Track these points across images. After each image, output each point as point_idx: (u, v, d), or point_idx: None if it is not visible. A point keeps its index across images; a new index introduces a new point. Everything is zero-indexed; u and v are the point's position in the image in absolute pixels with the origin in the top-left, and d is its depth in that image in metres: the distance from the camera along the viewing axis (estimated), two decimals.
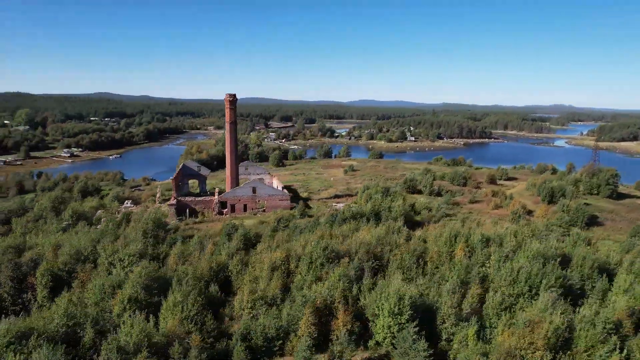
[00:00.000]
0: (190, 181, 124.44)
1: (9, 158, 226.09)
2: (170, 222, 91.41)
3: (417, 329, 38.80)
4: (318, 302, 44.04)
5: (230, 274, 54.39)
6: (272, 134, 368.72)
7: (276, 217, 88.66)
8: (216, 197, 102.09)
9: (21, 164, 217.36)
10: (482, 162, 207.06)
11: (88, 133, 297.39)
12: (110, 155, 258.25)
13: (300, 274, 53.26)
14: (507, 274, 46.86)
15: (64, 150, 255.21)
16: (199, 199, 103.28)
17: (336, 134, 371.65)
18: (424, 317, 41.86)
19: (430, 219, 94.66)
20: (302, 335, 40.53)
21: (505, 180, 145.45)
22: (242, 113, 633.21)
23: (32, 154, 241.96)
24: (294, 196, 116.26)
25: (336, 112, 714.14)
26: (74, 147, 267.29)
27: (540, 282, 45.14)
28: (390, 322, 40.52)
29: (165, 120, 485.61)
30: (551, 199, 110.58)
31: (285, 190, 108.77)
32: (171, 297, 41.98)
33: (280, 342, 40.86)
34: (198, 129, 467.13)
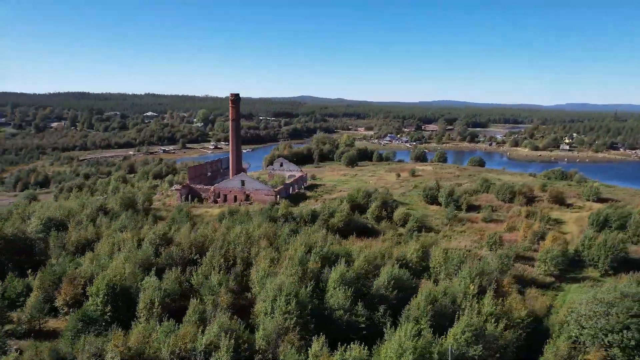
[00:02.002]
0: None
1: (170, 148, 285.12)
2: (174, 204, 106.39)
3: None
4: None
5: None
6: (401, 136, 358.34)
7: (232, 209, 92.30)
8: (211, 187, 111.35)
9: (174, 153, 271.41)
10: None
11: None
12: (245, 150, 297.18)
13: None
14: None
15: (211, 143, 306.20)
16: (206, 187, 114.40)
17: (476, 139, 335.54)
18: None
19: (387, 229, 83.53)
20: None
21: (594, 201, 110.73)
22: (405, 115, 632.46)
23: (188, 145, 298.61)
24: (300, 194, 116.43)
25: (503, 116, 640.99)
26: (223, 142, 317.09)
27: None
28: None
29: (324, 121, 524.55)
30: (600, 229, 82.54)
31: (270, 187, 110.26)
32: None
33: None
34: (348, 129, 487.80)
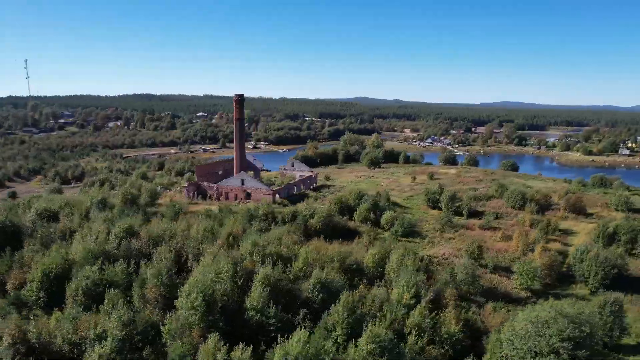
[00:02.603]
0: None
1: (210, 147, 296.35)
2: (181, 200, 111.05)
3: None
4: None
5: None
6: (445, 138, 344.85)
7: (221, 207, 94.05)
8: (215, 185, 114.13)
9: (213, 152, 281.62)
10: None
11: (280, 130, 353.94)
12: (281, 150, 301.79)
13: None
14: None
15: (250, 143, 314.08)
16: (212, 185, 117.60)
17: (524, 142, 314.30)
18: None
19: (370, 232, 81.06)
20: None
21: (623, 212, 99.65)
22: (458, 117, 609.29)
23: (228, 145, 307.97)
24: (303, 194, 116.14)
25: (568, 118, 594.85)
26: (263, 142, 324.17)
27: None
28: None
29: (371, 122, 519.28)
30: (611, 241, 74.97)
31: (268, 187, 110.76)
32: None
33: None
34: (394, 130, 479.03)
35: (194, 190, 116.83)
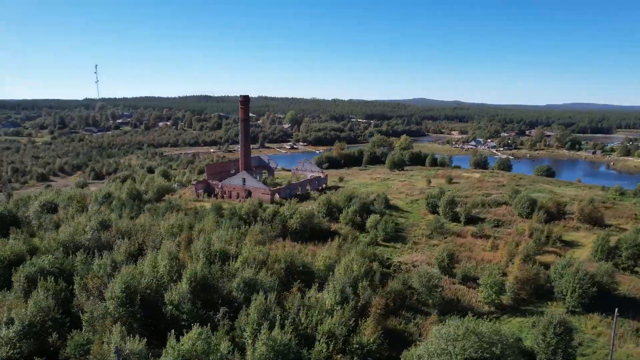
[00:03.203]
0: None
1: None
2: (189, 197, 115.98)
3: None
4: None
5: None
6: (491, 141, 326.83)
7: (214, 204, 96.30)
8: (220, 183, 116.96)
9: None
10: None
11: (319, 131, 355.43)
12: (317, 150, 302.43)
13: None
14: None
15: (289, 143, 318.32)
16: (219, 183, 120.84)
17: (578, 146, 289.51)
18: None
19: (349, 234, 79.38)
20: None
21: None
22: (513, 119, 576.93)
23: (267, 145, 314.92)
24: (306, 195, 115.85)
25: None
26: (301, 142, 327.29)
27: None
28: None
29: (417, 123, 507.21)
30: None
31: (267, 186, 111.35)
32: None
33: None
34: (440, 132, 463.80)
35: (203, 188, 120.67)
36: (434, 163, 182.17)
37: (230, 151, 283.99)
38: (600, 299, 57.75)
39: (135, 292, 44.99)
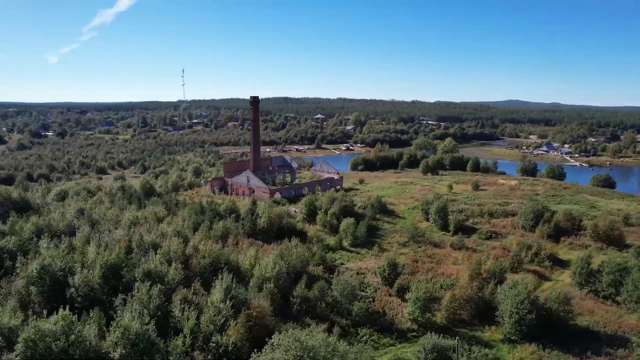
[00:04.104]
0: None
1: (303, 147, 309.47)
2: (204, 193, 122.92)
3: None
4: None
5: None
6: (568, 147, 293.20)
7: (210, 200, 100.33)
8: (230, 181, 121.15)
9: (305, 152, 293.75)
10: None
11: (379, 132, 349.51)
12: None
13: None
14: None
15: (345, 145, 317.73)
16: (230, 180, 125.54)
17: None
18: None
19: (315, 237, 78.29)
20: None
21: None
22: (611, 122, 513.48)
23: (324, 146, 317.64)
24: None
25: None
26: (359, 144, 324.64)
27: None
28: None
29: (493, 126, 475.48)
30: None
31: (267, 186, 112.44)
32: None
33: None
34: (517, 136, 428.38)
35: (219, 185, 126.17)
36: (476, 168, 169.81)
37: (284, 151, 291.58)
38: (552, 328, 50.31)
39: (48, 273, 49.18)
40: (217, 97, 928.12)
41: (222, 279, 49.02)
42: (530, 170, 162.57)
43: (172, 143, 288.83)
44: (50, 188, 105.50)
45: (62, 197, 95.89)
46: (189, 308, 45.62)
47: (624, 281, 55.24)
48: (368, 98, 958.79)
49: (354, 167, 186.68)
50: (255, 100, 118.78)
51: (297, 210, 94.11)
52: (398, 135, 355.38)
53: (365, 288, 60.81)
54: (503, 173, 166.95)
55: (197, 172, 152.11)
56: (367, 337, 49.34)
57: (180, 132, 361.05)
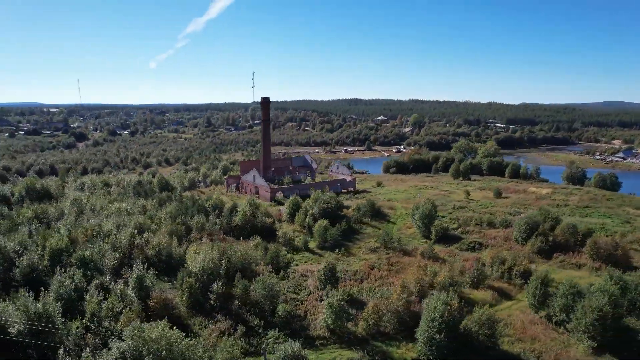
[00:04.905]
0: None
1: (353, 148, 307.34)
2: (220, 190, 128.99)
3: None
4: None
5: None
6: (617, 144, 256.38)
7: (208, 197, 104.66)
8: (242, 179, 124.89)
9: (353, 153, 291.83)
10: None
11: (435, 135, 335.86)
12: None
13: None
14: None
15: (395, 147, 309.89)
16: (241, 179, 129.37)
17: None
18: None
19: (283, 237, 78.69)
20: None
21: None
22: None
23: (374, 147, 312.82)
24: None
25: None
26: (412, 146, 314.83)
27: None
28: None
29: (571, 130, 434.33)
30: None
31: (270, 185, 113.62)
32: None
33: None
34: (598, 141, 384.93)
35: (234, 183, 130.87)
36: (515, 174, 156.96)
37: (332, 152, 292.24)
38: (475, 352, 46.05)
39: (1, 253, 55.60)
40: (288, 99, 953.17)
41: (136, 269, 51.67)
42: (577, 178, 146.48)
43: (227, 142, 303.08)
44: (76, 179, 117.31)
45: (82, 188, 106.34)
46: (99, 294, 48.96)
47: (575, 306, 48.41)
48: (441, 100, 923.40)
49: (387, 170, 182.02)
50: (265, 100, 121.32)
51: (282, 210, 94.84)
52: (456, 138, 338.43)
53: (300, 291, 59.92)
54: (545, 180, 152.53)
55: (225, 171, 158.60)
56: (273, 339, 48.73)
57: (240, 132, 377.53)
